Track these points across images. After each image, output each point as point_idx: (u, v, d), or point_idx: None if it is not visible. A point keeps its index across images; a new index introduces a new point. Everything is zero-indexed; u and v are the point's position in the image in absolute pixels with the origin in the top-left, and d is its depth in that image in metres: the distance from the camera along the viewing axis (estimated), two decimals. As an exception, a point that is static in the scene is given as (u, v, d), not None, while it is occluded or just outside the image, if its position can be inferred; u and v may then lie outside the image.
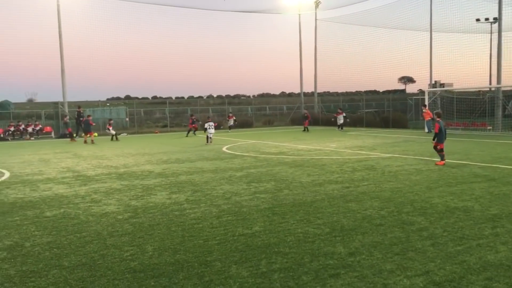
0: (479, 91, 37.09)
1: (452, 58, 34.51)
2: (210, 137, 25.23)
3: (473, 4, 34.05)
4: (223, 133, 33.85)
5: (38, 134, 34.70)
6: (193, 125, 32.43)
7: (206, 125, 25.61)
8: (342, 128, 35.05)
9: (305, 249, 6.36)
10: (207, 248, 6.51)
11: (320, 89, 47.91)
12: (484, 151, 18.51)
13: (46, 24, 38.23)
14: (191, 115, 34.79)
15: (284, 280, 5.25)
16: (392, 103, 41.92)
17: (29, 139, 33.54)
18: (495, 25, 34.61)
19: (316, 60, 46.23)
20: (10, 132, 33.75)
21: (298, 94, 49.98)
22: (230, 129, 37.12)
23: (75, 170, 15.29)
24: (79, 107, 32.17)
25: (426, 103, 31.43)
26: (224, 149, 21.68)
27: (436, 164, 14.50)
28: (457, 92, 34.62)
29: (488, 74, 38.85)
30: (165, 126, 41.74)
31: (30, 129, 34.40)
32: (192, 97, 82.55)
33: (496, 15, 31.93)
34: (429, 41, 35.28)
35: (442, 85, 34.53)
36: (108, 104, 52.70)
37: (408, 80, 75.21)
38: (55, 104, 37.53)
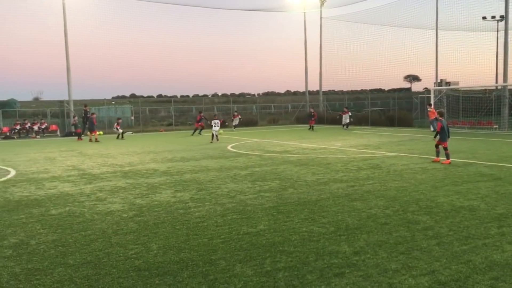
0: (485, 89, 36.92)
1: (458, 57, 34.34)
2: (216, 135, 25.40)
3: (479, 2, 33.85)
4: (228, 131, 33.84)
5: (44, 132, 34.87)
6: (200, 123, 31.93)
7: (212, 122, 25.84)
8: (347, 127, 34.98)
9: (309, 248, 6.34)
10: (212, 246, 6.51)
11: (325, 88, 47.91)
12: (490, 150, 18.41)
13: (52, 23, 38.45)
14: (200, 112, 34.28)
15: (289, 279, 5.24)
16: (397, 102, 41.76)
17: (35, 137, 33.71)
18: (502, 23, 34.43)
19: (321, 58, 46.16)
20: (16, 130, 33.94)
21: (303, 93, 49.95)
22: (234, 128, 37.09)
23: (80, 168, 15.34)
24: (85, 106, 32.27)
25: (432, 101, 31.26)
26: (229, 147, 21.69)
27: (432, 161, 14.73)
28: (463, 90, 34.43)
29: (495, 73, 38.68)
30: (170, 124, 41.80)
31: (36, 128, 34.59)
32: (197, 95, 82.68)
33: (503, 13, 31.70)
34: (435, 39, 35.15)
35: (448, 83, 34.39)
36: (113, 102, 52.83)
37: (413, 78, 74.90)
38: (61, 102, 37.67)
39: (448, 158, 14.57)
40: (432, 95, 32.02)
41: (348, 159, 16.21)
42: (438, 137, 15.26)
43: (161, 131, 38.21)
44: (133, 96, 79.15)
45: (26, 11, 38.27)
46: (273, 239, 6.79)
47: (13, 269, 5.79)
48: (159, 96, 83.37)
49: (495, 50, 36.93)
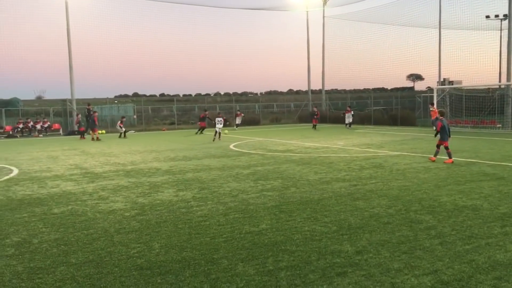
0: (489, 88, 36.79)
1: (461, 55, 34.22)
2: (219, 132, 25.54)
3: (482, 1, 33.79)
4: (230, 130, 33.83)
5: (47, 131, 34.96)
6: (203, 122, 31.72)
7: (216, 120, 26.01)
8: (350, 126, 34.93)
9: (312, 247, 6.33)
10: (214, 245, 6.50)
11: (327, 87, 47.86)
12: (493, 149, 18.35)
13: (54, 21, 38.40)
14: (205, 110, 33.97)
15: (291, 278, 5.22)
16: (400, 101, 41.66)
17: (38, 136, 33.79)
18: (505, 22, 34.28)
19: (324, 57, 46.11)
20: (19, 129, 34.03)
21: (306, 92, 49.90)
22: (237, 127, 37.08)
23: (83, 167, 15.36)
24: (88, 105, 32.32)
25: (435, 101, 31.19)
26: (231, 146, 21.68)
27: (429, 160, 14.81)
28: (466, 89, 34.35)
29: (498, 72, 38.52)
30: (173, 123, 41.83)
31: (38, 126, 34.68)
32: (199, 94, 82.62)
33: (506, 12, 31.59)
34: (438, 38, 35.05)
35: (451, 82, 34.32)
36: (116, 101, 52.92)
37: (416, 77, 74.65)
38: (64, 101, 37.74)
39: (450, 157, 14.53)
40: (435, 94, 31.94)
41: (351, 158, 16.18)
42: (438, 136, 15.23)
43: (164, 130, 38.25)
44: (135, 95, 79.16)
45: (29, 10, 38.33)
46: (275, 238, 6.77)
47: (16, 267, 5.79)
48: (162, 95, 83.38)
49: (499, 49, 36.79)
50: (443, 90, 33.35)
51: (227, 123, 36.90)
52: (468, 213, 8.05)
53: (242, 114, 38.63)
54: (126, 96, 79.48)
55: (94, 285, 5.17)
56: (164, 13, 51.23)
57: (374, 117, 39.36)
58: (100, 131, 33.80)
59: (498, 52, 36.97)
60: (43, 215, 8.54)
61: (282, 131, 33.05)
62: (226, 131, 31.21)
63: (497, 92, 33.76)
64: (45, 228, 7.66)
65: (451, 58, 35.45)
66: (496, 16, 38.35)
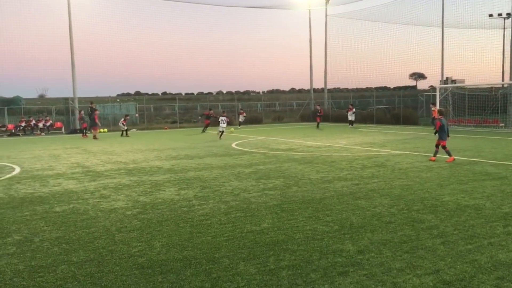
0: (491, 87, 36.70)
1: (464, 54, 34.11)
2: (221, 131, 25.62)
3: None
4: (235, 129, 33.79)
5: (49, 129, 35.00)
6: (208, 120, 31.53)
7: (220, 119, 26.08)
8: (352, 125, 34.86)
9: (313, 246, 6.31)
10: (215, 244, 6.49)
11: (330, 86, 47.73)
12: (496, 148, 18.29)
13: (56, 19, 38.49)
14: (210, 109, 33.80)
15: (292, 278, 5.21)
16: (402, 100, 41.57)
17: (40, 134, 33.85)
18: (508, 21, 34.19)
19: (326, 56, 46.02)
20: (21, 127, 34.08)
21: (308, 91, 49.85)
22: (239, 125, 37.05)
23: (84, 165, 15.36)
24: (91, 103, 32.34)
25: (438, 100, 31.10)
26: (233, 145, 21.67)
27: (430, 160, 14.74)
28: (469, 88, 34.24)
29: (501, 71, 38.42)
30: (175, 122, 41.81)
31: (40, 125, 34.72)
32: (201, 93, 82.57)
33: (509, 11, 31.50)
34: (440, 37, 34.93)
35: (453, 81, 34.19)
36: (118, 100, 52.94)
37: (419, 76, 74.46)
38: (66, 99, 37.77)
39: (450, 155, 14.53)
40: (437, 93, 31.83)
41: (353, 157, 16.15)
42: (437, 135, 15.20)
43: (166, 128, 38.26)
44: (137, 93, 79.24)
45: (31, 8, 38.31)
46: (277, 238, 6.76)
47: (17, 266, 5.79)
48: (164, 93, 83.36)
49: (502, 47, 36.69)
50: (445, 89, 33.25)
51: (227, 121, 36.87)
52: (471, 212, 8.02)
53: (244, 114, 38.56)
54: (128, 94, 79.49)
55: (95, 284, 5.16)
56: (166, 11, 51.23)
57: (376, 116, 39.29)
58: (102, 130, 33.87)
59: (501, 51, 36.91)
60: (44, 214, 8.55)
61: (284, 130, 33.02)
62: (232, 129, 31.20)
63: (500, 91, 33.69)
64: (46, 226, 7.66)
65: (454, 57, 35.37)
66: (499, 14, 38.21)
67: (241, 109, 40.15)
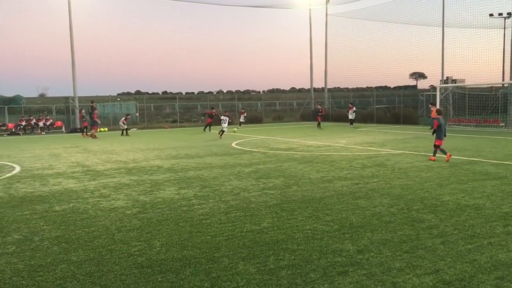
0: (492, 87, 36.67)
1: (465, 54, 34.07)
2: (222, 130, 25.70)
3: (486, -1, 33.58)
4: (230, 128, 33.78)
5: (49, 128, 35.01)
6: (210, 119, 31.34)
7: (222, 118, 26.12)
8: (352, 124, 34.81)
9: (313, 246, 6.31)
10: (215, 244, 6.49)
11: (330, 85, 47.68)
12: (496, 148, 18.29)
13: (57, 18, 38.50)
14: (212, 108, 33.58)
15: (292, 277, 5.20)
16: (403, 99, 41.54)
17: (40, 133, 33.85)
18: (509, 20, 34.16)
19: (327, 55, 45.99)
20: (22, 126, 34.08)
21: (308, 90, 49.80)
22: (240, 125, 36.92)
23: (84, 164, 15.36)
24: (92, 102, 32.34)
25: (438, 99, 31.07)
26: (233, 144, 21.66)
27: (429, 160, 14.73)
28: (469, 88, 34.23)
29: (501, 70, 38.39)
30: (175, 121, 41.82)
31: (41, 124, 34.72)
32: (202, 92, 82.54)
33: (510, 10, 31.46)
34: (441, 36, 34.89)
35: (454, 81, 34.15)
36: (118, 99, 52.92)
37: (419, 76, 74.45)
38: (66, 99, 37.77)
39: (445, 153, 14.62)
40: (438, 93, 31.80)
41: (353, 156, 16.15)
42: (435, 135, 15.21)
43: (166, 127, 38.26)
44: (138, 92, 79.19)
45: (31, 7, 38.32)
46: (277, 237, 6.75)
47: (16, 265, 5.79)
48: (164, 92, 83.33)
49: (502, 47, 36.67)
50: (446, 89, 33.23)
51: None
52: (471, 212, 8.02)
53: (245, 113, 38.45)
54: (128, 93, 79.56)
55: (94, 283, 5.16)
56: (166, 10, 51.18)
57: (376, 116, 39.27)
58: (102, 129, 33.88)
59: (502, 50, 36.88)
60: (44, 213, 8.54)
61: (284, 129, 33.01)
62: (235, 129, 31.17)
63: (500, 90, 33.68)
64: (46, 225, 7.66)
65: (454, 57, 35.36)
66: (500, 14, 38.19)
67: (243, 109, 40.06)
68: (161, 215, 8.17)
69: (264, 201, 9.20)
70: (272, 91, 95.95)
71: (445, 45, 34.86)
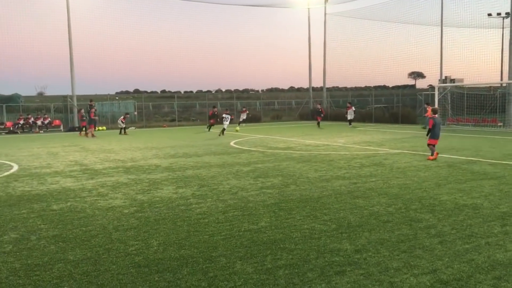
0: (490, 87, 36.71)
1: (463, 54, 34.14)
2: (223, 128, 25.77)
3: (484, -1, 33.60)
4: (231, 127, 33.74)
5: (47, 127, 34.93)
6: (212, 119, 30.80)
7: (223, 116, 26.25)
8: (350, 124, 34.65)
9: (311, 245, 6.30)
10: (212, 243, 6.47)
11: (329, 84, 47.68)
12: (494, 147, 18.30)
13: (55, 17, 38.42)
14: (213, 107, 33.04)
15: (289, 277, 5.19)
16: (401, 99, 41.58)
17: (38, 132, 33.78)
18: (507, 20, 34.18)
19: (325, 54, 45.99)
20: (20, 125, 34.00)
21: (307, 89, 49.78)
22: (239, 124, 36.69)
23: (82, 163, 15.34)
24: (91, 101, 32.27)
25: (436, 98, 31.08)
26: (231, 143, 21.65)
27: (428, 159, 14.71)
28: (468, 87, 34.27)
29: (500, 70, 38.40)
30: (173, 120, 41.78)
31: (39, 122, 34.63)
32: (200, 91, 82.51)
33: (509, 10, 31.48)
34: (439, 36, 34.92)
35: (452, 80, 34.19)
36: (117, 98, 52.83)
37: (418, 75, 74.40)
38: (64, 97, 37.70)
39: (432, 153, 14.77)
40: (436, 92, 31.83)
41: (351, 156, 16.15)
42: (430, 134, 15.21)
43: (164, 126, 38.22)
44: (136, 91, 79.10)
45: (29, 6, 38.18)
46: (274, 236, 6.74)
47: (13, 264, 5.77)
48: (163, 91, 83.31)
49: (500, 47, 36.68)
50: (444, 88, 33.25)
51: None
52: (468, 212, 8.02)
53: (247, 112, 38.16)
54: (127, 92, 79.39)
55: (91, 283, 5.14)
56: (164, 9, 51.10)
57: (375, 115, 39.27)
58: (100, 128, 33.84)
59: (500, 50, 36.89)
60: (42, 212, 8.52)
61: (283, 128, 33.01)
62: (237, 129, 31.08)
63: (499, 90, 33.73)
64: (43, 224, 7.64)
65: (453, 56, 35.37)
66: (498, 14, 38.22)
67: (244, 107, 39.85)
68: (159, 214, 8.16)
69: (262, 200, 9.19)
70: (271, 90, 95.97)
71: (443, 45, 34.91)
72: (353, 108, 35.40)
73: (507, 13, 35.57)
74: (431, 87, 39.63)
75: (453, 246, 6.15)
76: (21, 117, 34.71)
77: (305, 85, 50.73)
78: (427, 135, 15.19)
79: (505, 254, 5.83)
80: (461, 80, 34.10)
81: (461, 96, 32.86)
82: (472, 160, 14.64)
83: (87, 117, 28.90)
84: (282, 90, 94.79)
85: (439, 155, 15.05)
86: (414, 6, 37.28)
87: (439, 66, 35.22)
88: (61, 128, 35.69)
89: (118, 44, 47.84)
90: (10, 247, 6.45)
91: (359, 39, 44.25)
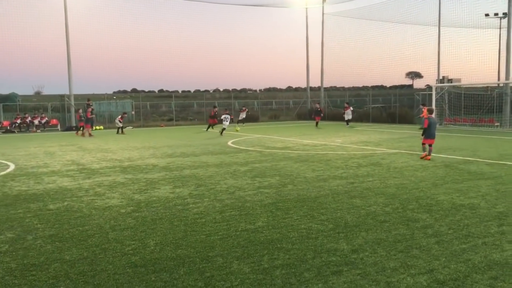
0: (487, 87, 36.75)
1: (460, 54, 34.19)
2: (224, 128, 25.77)
3: (482, -1, 33.69)
4: (231, 127, 33.68)
5: (44, 126, 34.84)
6: (213, 119, 30.71)
7: (223, 117, 26.16)
8: (347, 124, 34.59)
9: (308, 245, 6.30)
10: (209, 243, 6.46)
11: (326, 84, 47.65)
12: (491, 147, 18.34)
13: (53, 16, 38.31)
14: (214, 107, 32.68)
15: (286, 277, 5.19)
16: (399, 99, 41.58)
17: (35, 131, 33.69)
18: (504, 20, 34.26)
19: (323, 54, 45.99)
20: (17, 124, 33.90)
21: (305, 89, 49.79)
22: (237, 123, 36.57)
23: (79, 163, 15.30)
24: (88, 100, 32.20)
25: (433, 98, 31.12)
26: (229, 143, 21.63)
27: (421, 158, 14.87)
28: (465, 87, 34.31)
29: (497, 70, 38.54)
30: (171, 119, 41.73)
31: (36, 122, 34.54)
32: (198, 91, 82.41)
33: (506, 10, 31.56)
34: (437, 36, 34.96)
35: (450, 80, 34.23)
36: (114, 97, 52.77)
37: (415, 75, 74.60)
38: (62, 96, 37.62)
39: (424, 151, 14.96)
40: (433, 92, 31.87)
41: (348, 155, 16.15)
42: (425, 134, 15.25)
43: (162, 126, 38.17)
44: (134, 90, 79.00)
45: (26, 4, 38.05)
46: (271, 236, 6.74)
47: (9, 264, 5.74)
48: (160, 91, 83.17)
49: (498, 47, 36.79)
50: (442, 88, 33.30)
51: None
52: (465, 212, 8.03)
53: (246, 110, 37.98)
54: (124, 92, 79.22)
55: (87, 283, 5.13)
56: (162, 8, 51.04)
57: (372, 115, 39.30)
58: (98, 127, 33.77)
59: (497, 50, 37.00)
60: (38, 211, 8.50)
61: (280, 128, 33.01)
62: (238, 128, 31.02)
63: (496, 90, 33.75)
64: (40, 224, 7.61)
65: (450, 56, 35.43)
66: (496, 14, 38.33)
67: (244, 107, 39.73)
68: (156, 214, 8.14)
69: (259, 200, 9.19)
70: (268, 89, 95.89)
71: (441, 45, 34.96)
72: (351, 108, 35.31)
73: (504, 13, 35.66)
74: (429, 87, 39.64)
75: (450, 246, 6.16)
76: (18, 116, 34.61)
77: (303, 84, 50.72)
78: (422, 134, 15.28)
79: (502, 254, 5.84)
80: (459, 80, 34.14)
81: (459, 96, 32.91)
82: (469, 160, 14.67)
83: (85, 117, 28.84)
84: (280, 90, 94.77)
85: (434, 155, 15.09)
86: (412, 6, 37.33)
87: (437, 66, 35.26)
88: (58, 127, 35.60)
89: (115, 44, 47.79)
90: (6, 247, 6.42)
91: (357, 39, 44.31)
